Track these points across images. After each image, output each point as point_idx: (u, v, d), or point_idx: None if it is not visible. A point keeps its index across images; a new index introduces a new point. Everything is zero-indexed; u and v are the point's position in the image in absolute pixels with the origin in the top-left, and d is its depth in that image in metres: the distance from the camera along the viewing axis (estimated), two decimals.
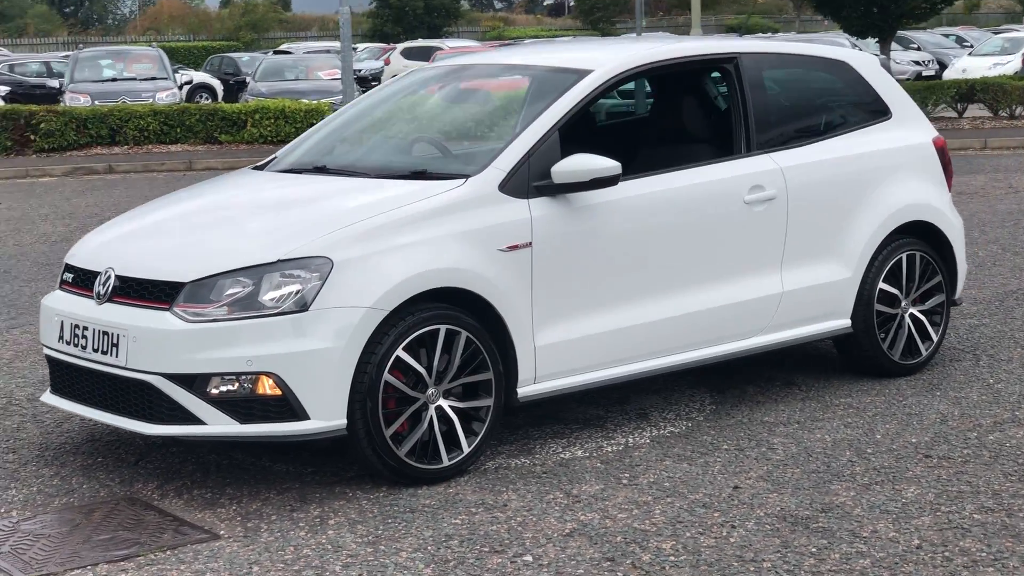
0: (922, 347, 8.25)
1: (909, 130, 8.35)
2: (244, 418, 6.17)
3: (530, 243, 6.71)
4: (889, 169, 8.11)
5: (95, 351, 6.47)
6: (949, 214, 8.38)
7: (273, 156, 7.90)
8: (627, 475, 6.56)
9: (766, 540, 5.70)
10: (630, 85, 10.24)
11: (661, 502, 6.18)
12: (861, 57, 8.48)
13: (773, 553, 5.56)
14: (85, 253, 6.96)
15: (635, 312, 7.08)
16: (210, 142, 25.64)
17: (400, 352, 6.30)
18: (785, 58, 8.20)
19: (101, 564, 5.62)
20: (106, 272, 6.58)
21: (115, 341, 6.36)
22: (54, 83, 33.85)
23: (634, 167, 7.42)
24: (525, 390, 6.78)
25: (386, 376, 6.27)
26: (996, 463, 6.62)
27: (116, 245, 6.86)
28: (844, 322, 7.97)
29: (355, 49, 40.40)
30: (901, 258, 8.11)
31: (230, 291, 6.21)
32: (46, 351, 6.96)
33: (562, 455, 6.93)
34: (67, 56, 34.91)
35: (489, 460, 6.85)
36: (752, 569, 5.41)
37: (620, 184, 7.01)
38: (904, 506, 6.06)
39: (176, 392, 6.17)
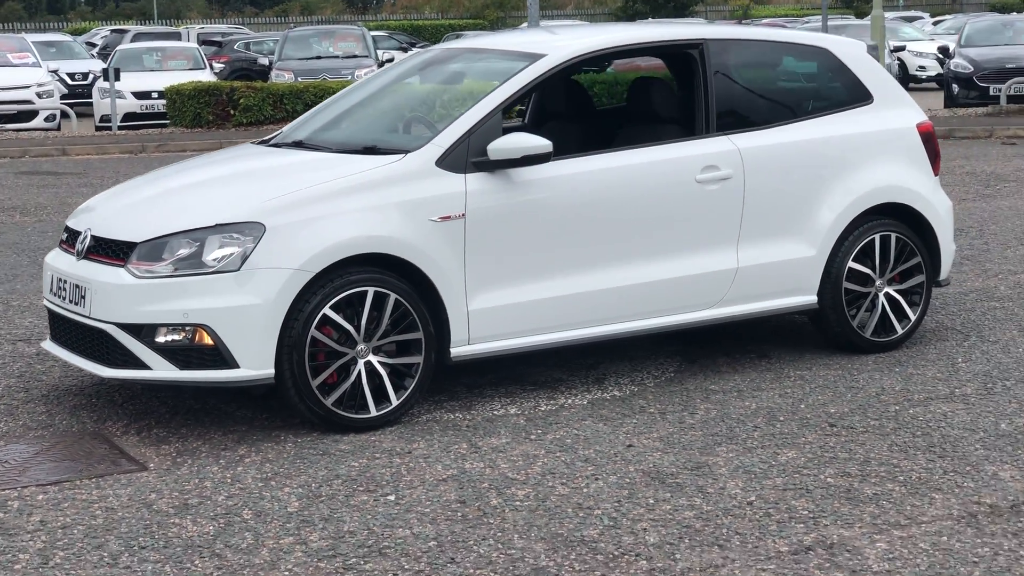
0: (898, 326, 8.49)
1: (890, 115, 8.59)
2: (183, 365, 6.89)
3: (463, 214, 7.25)
4: (862, 152, 8.38)
5: (70, 302, 7.28)
6: (930, 197, 8.59)
7: (280, 131, 8.60)
8: (537, 432, 7.06)
9: (614, 492, 6.15)
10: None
11: (550, 456, 6.67)
12: (843, 44, 8.75)
13: (611, 503, 6.01)
14: (76, 216, 7.78)
15: (572, 282, 7.55)
16: None
17: (327, 311, 6.93)
18: (759, 45, 8.54)
19: (30, 487, 6.39)
20: (85, 232, 7.39)
21: (83, 293, 7.16)
22: (264, 60, 35.38)
23: (586, 147, 7.89)
24: (458, 350, 7.33)
25: (313, 332, 6.90)
26: (892, 435, 6.91)
27: (100, 209, 7.66)
28: (810, 298, 8.29)
29: None
30: (874, 238, 8.36)
31: (179, 252, 6.93)
32: (43, 301, 7.81)
33: (495, 412, 7.46)
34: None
35: (425, 413, 7.42)
36: (581, 516, 5.87)
37: (567, 161, 7.50)
38: (768, 468, 6.44)
39: (127, 340, 6.93)
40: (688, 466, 6.49)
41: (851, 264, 8.32)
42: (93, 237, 7.31)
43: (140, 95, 27.61)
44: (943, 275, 8.75)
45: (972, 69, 26.66)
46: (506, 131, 7.59)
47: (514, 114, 9.57)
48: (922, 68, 34.05)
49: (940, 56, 30.36)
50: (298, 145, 8.01)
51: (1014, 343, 8.66)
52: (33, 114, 26.96)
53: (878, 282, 8.43)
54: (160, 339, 6.89)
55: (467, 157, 7.30)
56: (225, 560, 5.48)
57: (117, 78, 26.66)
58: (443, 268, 7.19)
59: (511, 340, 7.48)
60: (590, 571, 5.31)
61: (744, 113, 8.18)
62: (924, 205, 8.56)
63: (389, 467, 6.55)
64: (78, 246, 7.39)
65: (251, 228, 6.90)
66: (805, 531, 5.68)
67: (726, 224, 7.97)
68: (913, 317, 8.56)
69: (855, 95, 8.56)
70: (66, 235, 7.73)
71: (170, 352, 6.89)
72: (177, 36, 42.13)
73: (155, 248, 6.97)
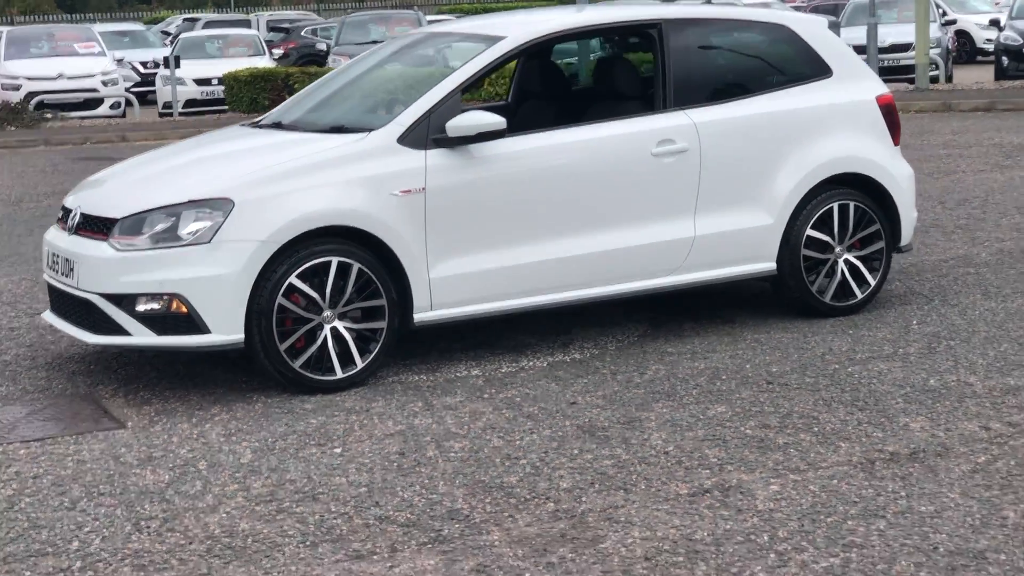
0: (857, 291, 8.88)
1: (849, 88, 8.97)
2: (161, 331, 7.46)
3: (423, 188, 7.75)
4: (819, 124, 8.77)
5: (62, 275, 7.86)
6: (889, 167, 8.96)
7: (266, 114, 9.14)
8: (491, 391, 7.54)
9: (545, 444, 6.63)
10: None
11: (497, 413, 7.15)
12: (802, 19, 9.14)
13: (538, 453, 6.49)
14: (71, 195, 8.37)
15: (530, 251, 8.02)
16: None
17: (294, 280, 7.46)
18: (717, 23, 8.96)
19: (15, 443, 6.97)
20: (75, 210, 7.97)
21: (71, 266, 7.74)
22: (322, 45, 36.04)
23: (556, 124, 8.37)
24: (421, 316, 7.84)
25: (280, 299, 7.44)
26: (822, 391, 7.32)
27: (90, 188, 8.25)
28: (769, 265, 8.70)
29: None
30: (832, 207, 8.76)
31: (157, 226, 7.49)
32: (43, 275, 8.41)
33: (459, 373, 7.95)
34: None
35: (392, 375, 7.93)
36: (507, 465, 6.36)
37: (523, 137, 7.99)
38: (695, 422, 6.88)
39: (109, 308, 7.51)
40: (621, 420, 6.94)
41: (809, 232, 8.71)
42: (82, 214, 7.88)
43: (200, 82, 28.39)
44: (904, 241, 9.11)
45: (1021, 41, 26.69)
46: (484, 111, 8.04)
47: (501, 95, 10.03)
48: (989, 41, 33.94)
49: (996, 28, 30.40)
50: (277, 126, 8.52)
51: (973, 306, 9.01)
52: (99, 102, 27.80)
53: (837, 249, 8.82)
54: (140, 308, 7.44)
55: (428, 135, 7.79)
56: (172, 504, 6.01)
57: (177, 65, 27.42)
58: (405, 239, 7.68)
59: (472, 306, 7.95)
60: (499, 512, 5.78)
61: (701, 89, 8.59)
62: (883, 174, 8.92)
63: (344, 423, 7.06)
64: (69, 223, 7.97)
65: (221, 204, 7.44)
66: (708, 476, 6.12)
67: (683, 195, 8.39)
68: (873, 282, 8.94)
69: (814, 69, 8.94)
70: (61, 213, 8.31)
71: (149, 319, 7.45)
72: (247, 24, 42.93)
73: (135, 223, 7.53)
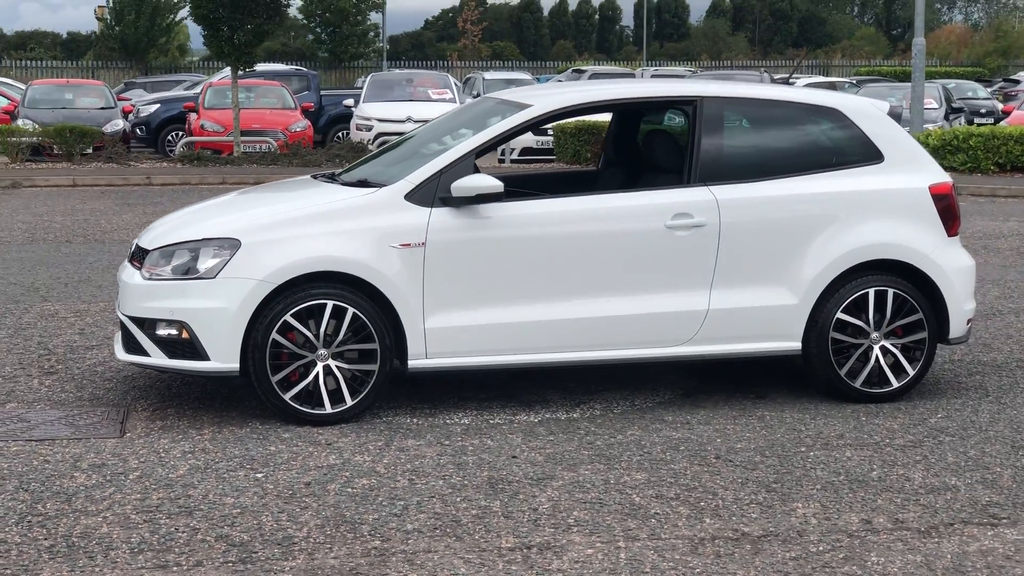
0: (894, 379, 8.83)
1: (901, 175, 8.93)
2: (171, 354, 8.27)
3: (423, 243, 8.28)
4: (858, 208, 8.77)
5: (118, 300, 8.81)
6: (936, 256, 8.85)
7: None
8: (450, 440, 7.96)
9: (439, 491, 7.03)
10: None
11: (436, 459, 7.57)
12: (856, 103, 9.13)
13: (423, 498, 6.90)
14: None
15: (530, 310, 8.40)
16: None
17: (288, 318, 8.12)
18: (761, 103, 9.07)
19: (20, 440, 7.90)
20: (134, 244, 8.89)
21: (120, 291, 8.67)
22: None
23: (563, 191, 8.75)
24: (415, 363, 8.35)
25: (275, 335, 8.11)
26: (755, 471, 7.41)
27: (154, 224, 9.15)
28: (794, 344, 8.78)
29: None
30: (868, 292, 8.75)
31: (178, 260, 8.32)
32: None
33: (449, 419, 8.42)
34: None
35: (396, 416, 8.46)
36: (382, 505, 6.80)
37: (531, 202, 8.43)
38: (598, 486, 7.12)
39: (134, 330, 8.38)
40: (534, 477, 7.26)
41: (840, 315, 8.71)
42: (136, 246, 8.78)
43: (540, 131, 29.45)
44: (954, 334, 8.96)
45: None
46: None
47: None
48: None
49: None
50: (331, 179, 9.21)
51: (1007, 407, 8.79)
52: None
53: (873, 335, 8.78)
54: (160, 332, 8.26)
55: (435, 193, 8.31)
56: (70, 505, 6.75)
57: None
58: (401, 289, 8.21)
59: (466, 358, 8.40)
60: (322, 544, 6.24)
61: (733, 167, 8.73)
62: (928, 264, 8.83)
63: (294, 454, 7.65)
64: (129, 255, 8.89)
65: (230, 243, 8.18)
66: (544, 534, 6.40)
67: (697, 268, 8.57)
68: (912, 372, 8.84)
69: (864, 154, 8.94)
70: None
71: (163, 343, 8.26)
72: (631, 75, 43.94)
73: (161, 255, 8.36)
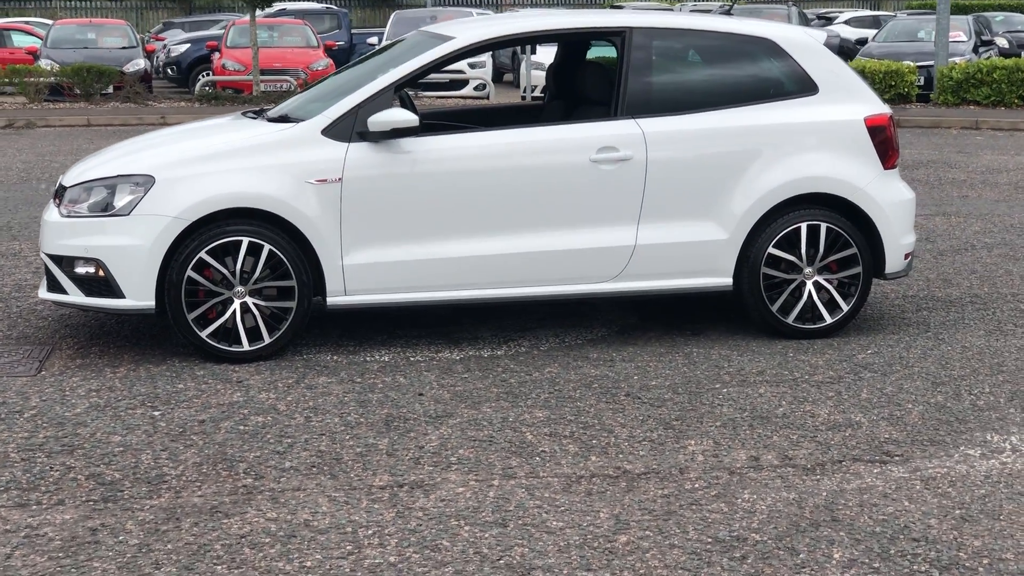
0: (827, 315, 8.67)
1: (834, 106, 8.73)
2: (88, 292, 8.22)
3: (340, 178, 8.17)
4: (790, 141, 8.59)
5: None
6: (871, 190, 8.66)
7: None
8: (363, 378, 7.89)
9: (333, 429, 6.96)
10: None
11: (341, 396, 7.51)
12: (790, 33, 8.92)
13: (313, 435, 6.85)
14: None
15: (449, 246, 8.29)
16: None
17: (204, 255, 8.06)
18: (693, 34, 8.88)
19: None
20: (58, 182, 8.85)
21: (40, 231, 8.63)
22: None
23: (506, 125, 8.62)
24: (334, 300, 8.28)
25: (190, 272, 8.05)
26: (661, 408, 7.29)
27: (79, 162, 9.08)
28: (724, 280, 8.63)
29: None
30: (800, 227, 8.58)
31: (95, 197, 8.26)
32: None
33: (365, 357, 8.35)
34: None
35: (315, 353, 8.40)
36: (269, 442, 6.75)
37: (458, 136, 8.31)
38: (494, 423, 7.04)
39: (53, 268, 8.34)
40: (434, 415, 7.18)
41: (772, 250, 8.55)
42: (59, 184, 8.73)
43: None
44: (891, 268, 8.78)
45: None
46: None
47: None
48: None
49: None
50: (258, 115, 9.10)
51: (942, 343, 8.62)
52: (463, 83, 29.22)
53: (806, 270, 8.62)
54: (78, 270, 8.21)
55: (353, 128, 8.19)
56: None
57: (533, 51, 28.37)
58: (318, 225, 8.12)
59: (386, 295, 8.31)
60: (193, 482, 6.20)
61: (661, 100, 8.56)
62: (863, 198, 8.64)
63: (200, 391, 7.60)
64: (53, 191, 8.85)
65: (144, 180, 8.11)
66: (418, 472, 6.33)
67: (623, 203, 8.42)
68: (846, 307, 8.69)
69: (798, 86, 8.74)
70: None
71: (80, 281, 8.22)
72: (669, 11, 43.45)
73: (80, 192, 8.30)
